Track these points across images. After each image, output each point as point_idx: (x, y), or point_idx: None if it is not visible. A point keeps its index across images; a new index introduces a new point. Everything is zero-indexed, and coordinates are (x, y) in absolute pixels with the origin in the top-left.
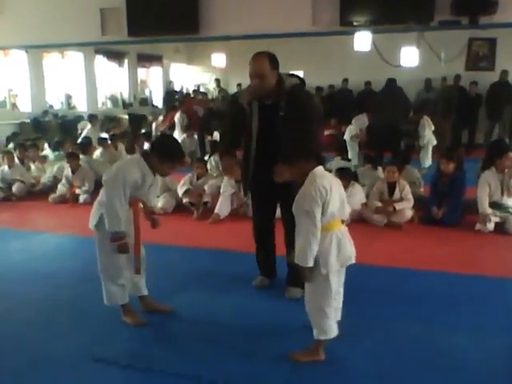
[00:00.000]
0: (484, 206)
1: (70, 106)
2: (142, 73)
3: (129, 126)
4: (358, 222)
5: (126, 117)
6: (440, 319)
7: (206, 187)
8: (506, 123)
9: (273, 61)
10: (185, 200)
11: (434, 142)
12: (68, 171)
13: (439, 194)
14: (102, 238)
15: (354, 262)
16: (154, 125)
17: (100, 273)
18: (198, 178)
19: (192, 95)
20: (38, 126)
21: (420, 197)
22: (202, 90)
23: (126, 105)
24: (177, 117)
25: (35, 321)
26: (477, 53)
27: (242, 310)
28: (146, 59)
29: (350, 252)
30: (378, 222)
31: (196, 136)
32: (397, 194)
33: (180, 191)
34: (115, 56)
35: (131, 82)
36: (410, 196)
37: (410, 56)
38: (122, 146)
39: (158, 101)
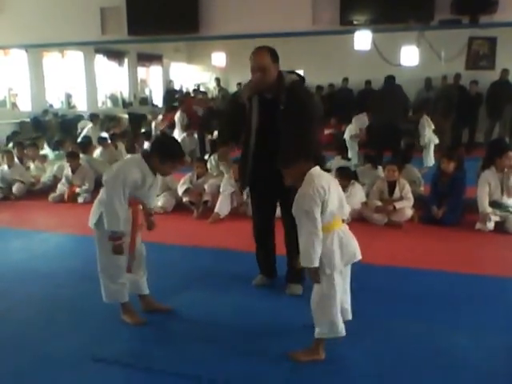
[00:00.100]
0: (484, 205)
1: (70, 106)
2: (141, 72)
3: (129, 125)
4: (358, 221)
5: (126, 116)
6: (440, 318)
7: (205, 186)
8: (506, 122)
9: (273, 55)
10: (185, 199)
11: (436, 141)
12: (68, 170)
13: (439, 193)
14: (101, 236)
15: (359, 258)
16: (153, 124)
17: (100, 271)
18: (198, 177)
19: (192, 94)
20: (38, 125)
21: (420, 196)
22: (202, 89)
23: (125, 104)
24: (177, 116)
25: (35, 320)
26: (477, 52)
27: (242, 310)
28: (146, 58)
29: (355, 249)
30: (378, 221)
31: (196, 135)
32: (397, 193)
33: (180, 190)
34: (115, 55)
35: (131, 82)
36: (410, 195)
37: (410, 55)
38: (121, 146)
39: (158, 100)
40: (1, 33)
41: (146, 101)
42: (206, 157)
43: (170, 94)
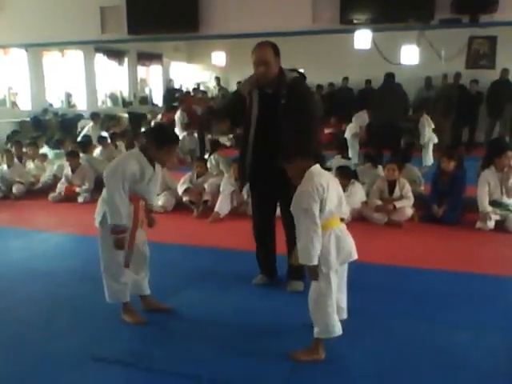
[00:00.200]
0: (484, 204)
1: (69, 105)
2: (141, 71)
3: (129, 124)
4: (358, 220)
5: (126, 115)
6: (440, 317)
7: (205, 186)
8: (506, 121)
9: (275, 49)
10: (185, 198)
11: (435, 140)
12: (68, 170)
13: (440, 192)
14: (105, 235)
15: (355, 258)
16: (153, 123)
17: (103, 271)
18: (197, 177)
19: (192, 93)
20: (38, 124)
21: (420, 195)
22: (202, 88)
23: (125, 103)
24: (177, 115)
25: (35, 320)
26: (477, 51)
27: (243, 309)
28: (146, 58)
29: (351, 248)
30: (378, 221)
31: (196, 134)
32: (397, 193)
33: (180, 190)
34: (115, 54)
35: (131, 81)
36: (410, 194)
37: (410, 54)
38: (121, 145)
39: (158, 99)
40: (1, 32)
41: (145, 100)
42: (206, 156)
43: (170, 93)
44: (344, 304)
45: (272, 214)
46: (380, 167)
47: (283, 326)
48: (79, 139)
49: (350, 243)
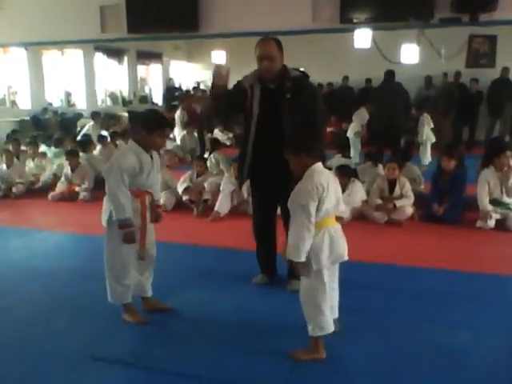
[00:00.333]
0: (484, 203)
1: (69, 104)
2: (141, 70)
3: (129, 123)
4: (358, 219)
5: (126, 114)
6: (440, 317)
7: (205, 185)
8: (506, 120)
9: (279, 45)
10: (185, 198)
11: (433, 139)
12: (67, 169)
13: (440, 191)
14: (111, 235)
15: (346, 259)
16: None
17: (106, 271)
18: (197, 176)
19: (192, 92)
20: (38, 123)
21: (420, 194)
22: (201, 87)
23: (125, 102)
24: (177, 114)
25: (35, 320)
26: (477, 50)
27: (243, 309)
28: (146, 56)
29: (342, 250)
30: (378, 220)
31: (196, 133)
32: (397, 191)
33: (180, 189)
34: (115, 53)
35: (131, 80)
36: (411, 193)
37: (410, 53)
38: (122, 144)
39: (158, 98)
40: (0, 31)
41: (145, 99)
42: (206, 155)
43: (170, 91)
44: (335, 303)
45: (272, 213)
46: (380, 166)
47: (283, 325)
48: (79, 138)
49: (342, 245)
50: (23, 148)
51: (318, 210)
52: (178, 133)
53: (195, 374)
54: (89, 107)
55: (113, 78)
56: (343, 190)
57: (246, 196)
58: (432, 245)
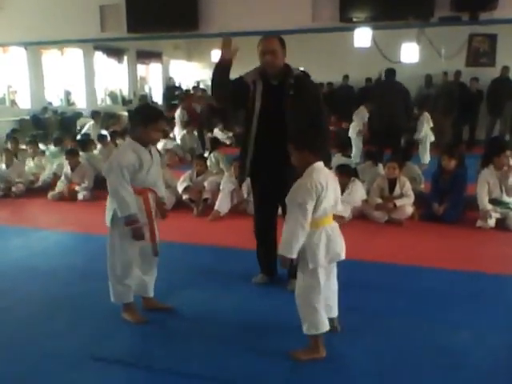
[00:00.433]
0: (484, 202)
1: (69, 103)
2: (141, 69)
3: (128, 122)
4: (358, 218)
5: (126, 114)
6: (440, 316)
7: (205, 184)
8: (507, 119)
9: (282, 41)
10: (185, 197)
11: (432, 138)
12: (67, 168)
13: (440, 190)
14: (113, 234)
15: (343, 258)
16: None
17: (108, 270)
18: (197, 175)
19: (192, 92)
20: (38, 122)
21: (421, 193)
22: (201, 86)
23: (125, 101)
24: (177, 113)
25: (35, 319)
26: (477, 49)
27: (243, 308)
28: (146, 56)
29: (340, 249)
30: (378, 219)
31: (196, 133)
32: (397, 191)
33: (180, 188)
34: (114, 53)
35: (131, 79)
36: (411, 192)
37: (410, 52)
38: (121, 143)
39: (158, 97)
40: (0, 30)
41: (145, 98)
42: (206, 154)
43: (170, 91)
44: (333, 303)
45: (273, 213)
46: (380, 165)
47: (283, 324)
48: (79, 137)
49: (339, 243)
50: (23, 147)
51: (316, 209)
52: (177, 132)
53: (195, 374)
54: (88, 106)
55: (112, 77)
56: (343, 190)
57: (245, 195)
58: (432, 244)
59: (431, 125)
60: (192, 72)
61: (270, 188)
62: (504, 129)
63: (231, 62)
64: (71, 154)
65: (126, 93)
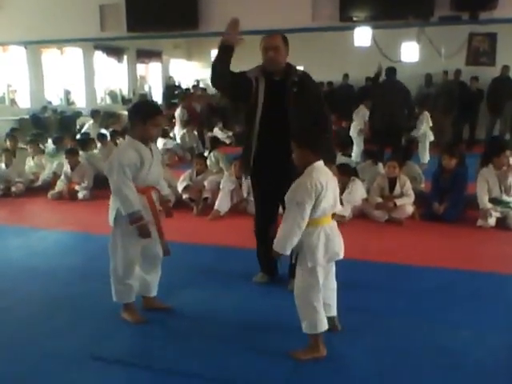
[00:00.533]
0: (484, 201)
1: (68, 102)
2: (141, 69)
3: (128, 122)
4: (358, 217)
5: (126, 113)
6: (441, 316)
7: (205, 183)
8: (507, 118)
9: (284, 39)
10: (185, 196)
11: (431, 138)
12: (67, 168)
13: (441, 189)
14: (116, 234)
15: (341, 257)
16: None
17: (110, 271)
18: (197, 174)
19: (192, 91)
20: (38, 121)
21: (421, 192)
22: (201, 85)
23: (125, 101)
24: (177, 112)
25: (35, 319)
26: (477, 48)
27: (243, 308)
28: (146, 55)
29: (338, 248)
30: (378, 218)
31: (196, 132)
32: (397, 190)
33: (180, 187)
34: (114, 52)
35: (130, 78)
36: (411, 192)
37: (410, 51)
38: (121, 142)
39: (158, 96)
40: (0, 29)
41: (145, 97)
42: (206, 153)
43: (170, 90)
44: (332, 302)
45: (274, 212)
46: (380, 164)
47: (284, 324)
48: (78, 137)
49: (338, 242)
50: (23, 146)
51: (315, 208)
52: (177, 131)
53: (195, 373)
54: (88, 106)
55: (112, 76)
56: (343, 189)
57: (245, 195)
58: (432, 243)
59: (430, 124)
60: (192, 71)
61: (272, 186)
62: (504, 128)
63: (233, 48)
64: (71, 154)
65: (125, 92)
